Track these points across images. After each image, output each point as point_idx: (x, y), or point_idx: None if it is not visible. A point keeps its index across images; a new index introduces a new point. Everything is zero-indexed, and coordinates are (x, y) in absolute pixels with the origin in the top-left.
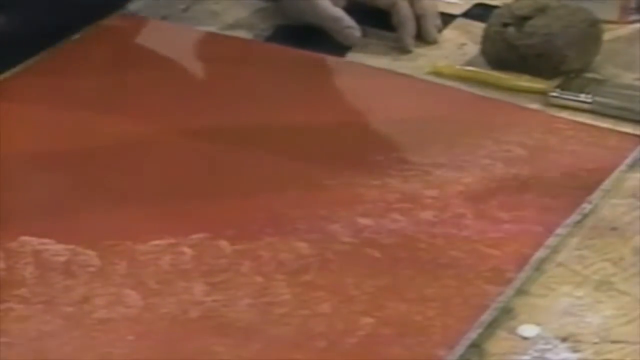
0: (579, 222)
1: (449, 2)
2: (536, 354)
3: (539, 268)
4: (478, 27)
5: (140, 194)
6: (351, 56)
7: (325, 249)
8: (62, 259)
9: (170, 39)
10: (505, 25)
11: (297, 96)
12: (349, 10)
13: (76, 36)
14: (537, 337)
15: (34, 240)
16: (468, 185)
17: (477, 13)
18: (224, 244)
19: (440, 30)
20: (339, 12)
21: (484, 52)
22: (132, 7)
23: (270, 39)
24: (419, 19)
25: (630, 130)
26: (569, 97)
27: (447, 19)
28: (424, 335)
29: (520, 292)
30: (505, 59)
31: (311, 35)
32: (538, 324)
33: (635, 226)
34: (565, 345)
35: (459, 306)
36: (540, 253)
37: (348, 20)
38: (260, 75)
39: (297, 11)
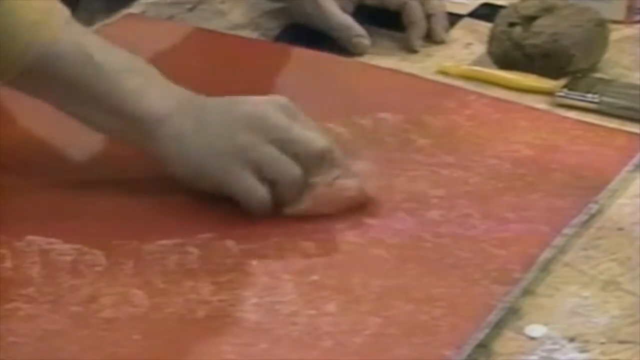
0: (585, 222)
1: (455, 2)
2: (544, 354)
3: (545, 268)
4: (484, 27)
5: (147, 193)
6: (358, 56)
7: (331, 248)
8: (69, 258)
9: (175, 39)
10: (512, 25)
11: (303, 95)
12: (357, 10)
13: None
14: (544, 337)
15: (41, 239)
16: (475, 185)
17: (484, 13)
18: (230, 243)
19: (447, 30)
20: (348, 20)
21: (490, 52)
22: (138, 6)
23: (279, 38)
24: (428, 18)
25: (637, 130)
26: (575, 97)
27: (453, 18)
28: (430, 335)
29: (527, 292)
30: (511, 58)
31: (319, 35)
32: (545, 324)
33: None
34: (572, 345)
35: (465, 306)
36: (546, 253)
37: (357, 29)
38: (266, 73)
39: (305, 16)
